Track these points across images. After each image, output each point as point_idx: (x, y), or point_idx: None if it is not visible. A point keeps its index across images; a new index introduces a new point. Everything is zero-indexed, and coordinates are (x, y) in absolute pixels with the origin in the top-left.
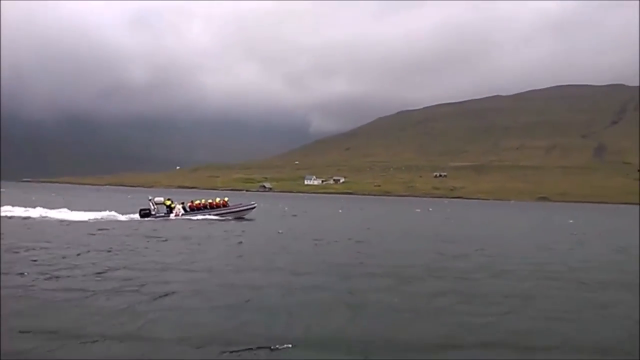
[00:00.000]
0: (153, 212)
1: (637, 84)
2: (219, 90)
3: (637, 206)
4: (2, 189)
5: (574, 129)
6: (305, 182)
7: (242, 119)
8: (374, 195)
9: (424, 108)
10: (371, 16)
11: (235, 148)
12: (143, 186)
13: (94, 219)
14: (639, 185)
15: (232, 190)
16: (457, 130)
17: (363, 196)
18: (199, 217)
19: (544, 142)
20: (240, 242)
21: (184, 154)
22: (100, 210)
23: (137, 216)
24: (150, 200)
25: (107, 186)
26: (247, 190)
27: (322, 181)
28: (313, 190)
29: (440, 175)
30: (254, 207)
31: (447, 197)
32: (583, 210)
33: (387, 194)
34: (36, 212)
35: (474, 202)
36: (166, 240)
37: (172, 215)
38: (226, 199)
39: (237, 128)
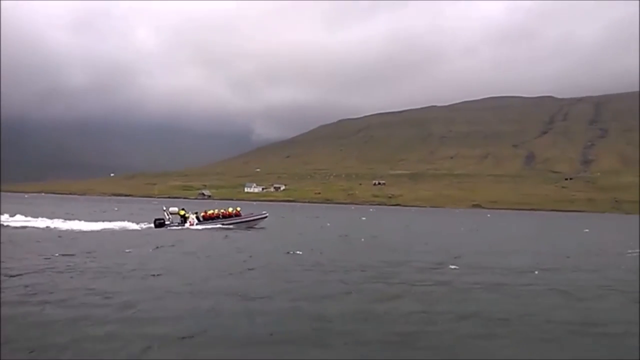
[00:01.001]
0: (167, 222)
1: (565, 96)
2: (160, 95)
3: (565, 213)
4: None
5: (506, 138)
6: (246, 190)
7: (183, 124)
8: (315, 202)
9: (364, 117)
10: (322, 24)
11: (174, 154)
12: (76, 193)
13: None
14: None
15: (169, 198)
16: (395, 139)
17: (304, 203)
18: (212, 226)
19: (477, 151)
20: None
21: (119, 160)
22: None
23: (151, 226)
24: (164, 210)
25: (42, 193)
26: (185, 198)
27: (263, 189)
28: (254, 197)
29: (380, 183)
30: (266, 217)
31: (386, 205)
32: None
33: (327, 201)
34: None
35: (414, 209)
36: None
37: (186, 225)
38: (238, 208)
39: (177, 134)
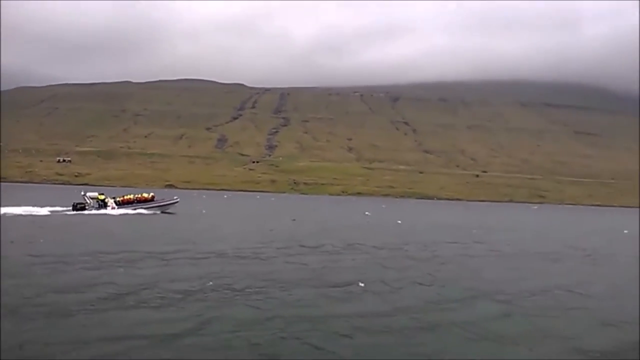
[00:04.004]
0: (87, 207)
1: (256, 85)
2: None
3: (252, 193)
4: None
5: (200, 121)
6: None
7: None
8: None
9: (48, 86)
10: None
11: None
12: None
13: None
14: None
15: None
16: (84, 113)
17: None
18: (131, 210)
19: (172, 132)
20: None
21: None
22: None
23: (69, 210)
24: (83, 195)
25: None
26: None
27: None
28: None
29: (64, 161)
30: (177, 202)
31: (72, 184)
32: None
33: (3, 179)
34: None
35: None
36: None
37: (109, 209)
38: (152, 194)
39: None
